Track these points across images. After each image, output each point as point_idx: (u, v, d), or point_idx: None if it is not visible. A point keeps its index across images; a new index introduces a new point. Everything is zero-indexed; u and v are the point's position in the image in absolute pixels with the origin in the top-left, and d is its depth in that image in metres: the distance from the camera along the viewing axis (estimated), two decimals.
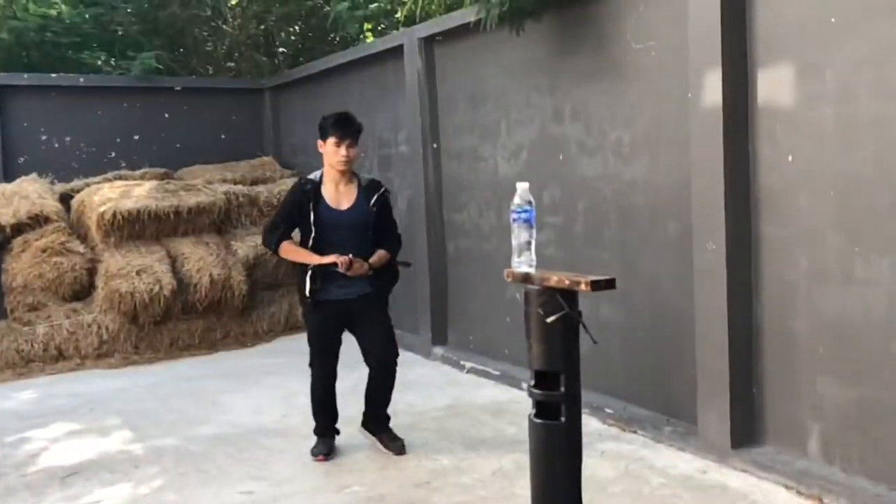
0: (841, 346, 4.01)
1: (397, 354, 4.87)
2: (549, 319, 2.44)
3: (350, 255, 4.55)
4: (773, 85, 4.21)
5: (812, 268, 4.12)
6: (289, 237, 4.81)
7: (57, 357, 7.56)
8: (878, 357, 3.85)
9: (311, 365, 4.88)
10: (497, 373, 6.30)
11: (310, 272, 4.64)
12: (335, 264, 4.55)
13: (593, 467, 4.52)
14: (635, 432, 5.06)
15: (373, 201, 4.75)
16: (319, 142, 4.73)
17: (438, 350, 7.13)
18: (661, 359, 5.09)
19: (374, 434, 4.96)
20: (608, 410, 5.29)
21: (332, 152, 4.65)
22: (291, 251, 4.76)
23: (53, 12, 10.96)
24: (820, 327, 4.10)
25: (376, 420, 4.97)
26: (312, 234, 4.69)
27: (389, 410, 5.00)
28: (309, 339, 4.90)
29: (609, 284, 2.44)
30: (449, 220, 7.11)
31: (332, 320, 4.77)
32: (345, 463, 4.79)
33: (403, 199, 7.66)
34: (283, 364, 7.13)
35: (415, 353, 7.37)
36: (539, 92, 5.90)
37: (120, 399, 6.40)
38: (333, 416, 4.96)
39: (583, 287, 2.37)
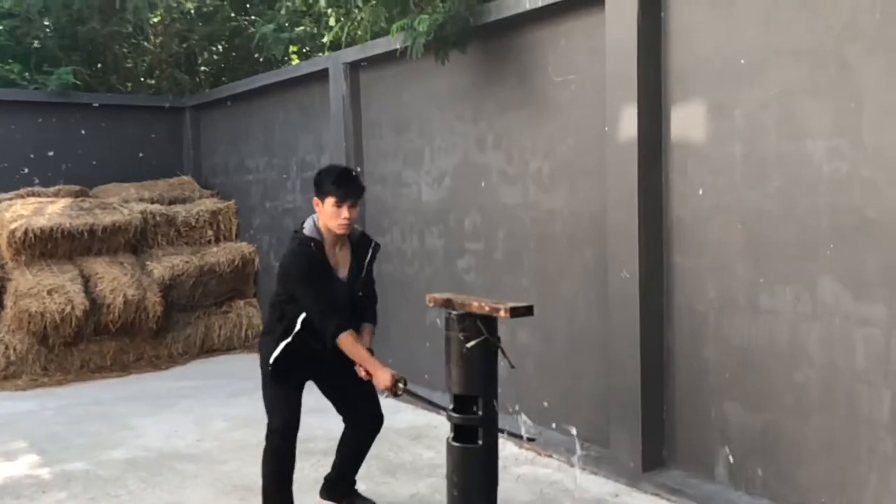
0: (746, 373, 4.18)
1: (380, 409, 4.30)
2: (469, 345, 2.49)
3: (400, 384, 3.82)
4: (686, 121, 4.39)
5: (720, 297, 4.28)
6: (348, 322, 3.96)
7: None
8: (781, 384, 4.02)
9: (269, 436, 4.06)
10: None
11: (286, 346, 3.97)
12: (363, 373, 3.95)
13: (509, 491, 4.58)
14: (551, 456, 5.14)
15: (366, 262, 4.14)
16: (315, 199, 3.99)
17: None
18: (577, 384, 5.20)
19: (341, 499, 4.35)
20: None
21: (331, 214, 3.93)
22: (349, 345, 3.91)
23: None
24: (727, 355, 4.27)
25: (350, 483, 4.39)
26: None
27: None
28: (270, 411, 4.08)
29: (527, 311, 2.50)
30: None
31: (297, 380, 4.10)
32: (257, 488, 4.73)
33: None
34: (199, 387, 7.02)
35: None
36: (462, 120, 6.00)
37: (27, 421, 6.20)
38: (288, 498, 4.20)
39: (502, 314, 2.43)
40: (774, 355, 4.05)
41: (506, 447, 5.35)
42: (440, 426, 5.74)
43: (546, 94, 5.28)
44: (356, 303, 4.09)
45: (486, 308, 2.46)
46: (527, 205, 5.48)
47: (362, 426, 4.24)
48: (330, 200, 3.91)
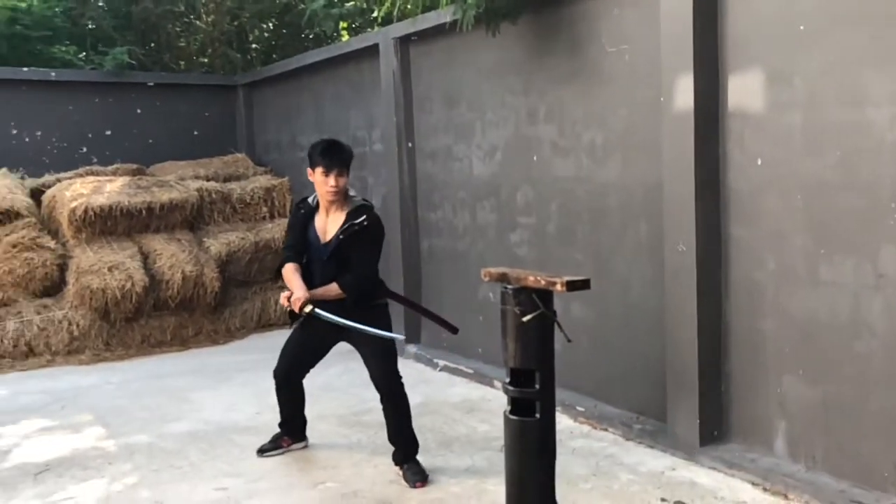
0: (806, 345, 4.11)
1: (394, 374, 4.56)
2: (525, 319, 2.50)
3: (309, 307, 4.32)
4: (744, 90, 4.30)
5: (779, 269, 4.21)
6: (297, 259, 4.56)
7: (27, 353, 7.51)
8: (842, 356, 3.96)
9: (279, 357, 4.77)
10: (469, 371, 6.36)
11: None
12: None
13: (565, 464, 4.58)
14: (606, 430, 5.14)
15: (347, 227, 4.41)
16: (308, 170, 4.45)
17: (412, 348, 7.17)
18: (632, 358, 5.17)
19: (396, 464, 4.58)
20: (579, 408, 5.36)
21: (320, 182, 4.38)
22: (286, 275, 4.51)
23: (23, 5, 10.86)
24: (786, 327, 4.20)
25: (397, 450, 4.59)
26: (306, 260, 4.58)
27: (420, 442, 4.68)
28: (286, 341, 4.79)
29: (584, 285, 2.50)
30: (423, 218, 7.16)
31: (314, 334, 4.59)
32: (319, 460, 4.83)
33: (378, 198, 7.69)
34: (256, 361, 7.13)
35: None
36: (514, 93, 5.96)
37: (91, 396, 6.37)
38: (293, 411, 4.94)
39: (558, 287, 2.42)
40: (835, 327, 3.98)
41: (561, 421, 5.35)
42: (494, 399, 5.77)
43: (599, 65, 5.21)
44: (341, 265, 4.44)
45: (542, 282, 2.46)
46: (579, 178, 5.45)
47: (378, 392, 4.57)
48: (319, 170, 4.38)
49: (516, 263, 5.86)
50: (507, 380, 2.63)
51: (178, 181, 8.86)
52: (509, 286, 2.54)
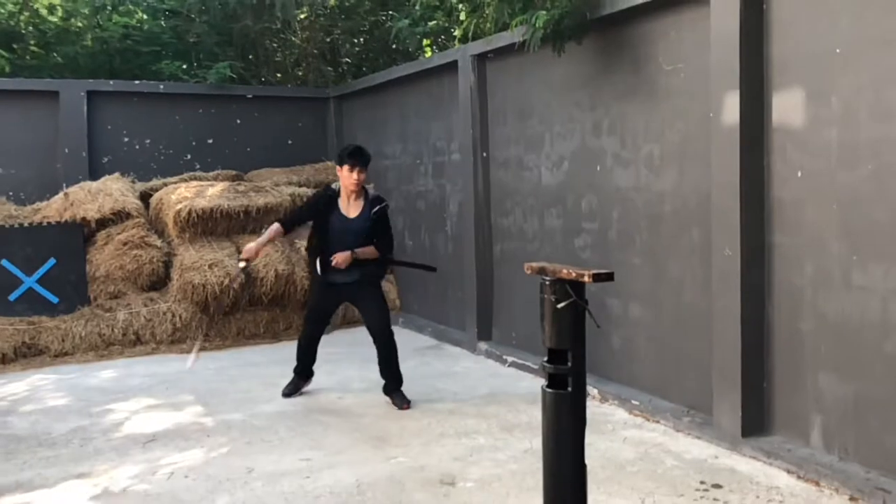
0: (840, 345, 4.43)
1: (388, 324, 6.07)
2: (559, 306, 2.94)
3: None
4: (786, 107, 4.65)
5: (817, 274, 4.54)
6: (289, 226, 6.21)
7: (135, 341, 8.28)
8: (873, 356, 4.26)
9: (305, 322, 6.44)
10: (536, 366, 6.78)
11: (319, 262, 6.02)
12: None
13: (615, 450, 5.00)
14: (658, 422, 5.50)
15: (372, 212, 6.00)
16: (338, 167, 6.01)
17: (483, 345, 7.64)
18: (685, 355, 5.53)
19: (386, 394, 6.13)
20: (634, 402, 5.74)
21: (346, 176, 5.94)
22: (270, 230, 6.16)
23: (135, 22, 11.76)
24: (822, 328, 4.52)
25: (387, 382, 6.13)
26: (326, 233, 5.99)
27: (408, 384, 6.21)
28: (309, 306, 6.50)
29: (608, 277, 2.92)
30: (496, 224, 7.63)
31: (331, 298, 6.24)
32: (393, 439, 5.34)
33: (455, 204, 8.20)
34: (341, 353, 7.72)
35: (462, 348, 7.92)
36: (580, 107, 6.39)
37: (192, 380, 7.05)
38: (310, 361, 6.41)
39: (586, 279, 2.86)
40: (866, 328, 4.28)
41: (616, 413, 5.77)
42: None
43: (657, 82, 5.60)
44: (360, 237, 5.97)
45: (574, 274, 2.91)
46: (638, 187, 5.83)
47: (374, 339, 6.07)
48: (346, 167, 5.93)
49: (580, 266, 6.27)
50: (545, 358, 3.08)
51: (273, 187, 9.54)
52: (546, 278, 2.99)
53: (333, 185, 6.15)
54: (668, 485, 4.45)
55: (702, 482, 4.46)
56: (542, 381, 3.13)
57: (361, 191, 6.07)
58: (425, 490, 4.44)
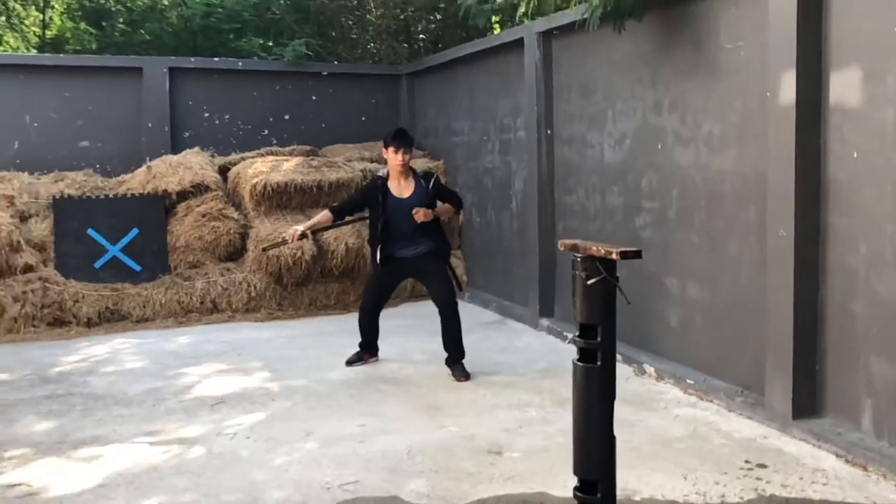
0: (892, 327, 4.38)
1: (453, 296, 6.31)
2: (590, 282, 3.03)
3: (296, 230, 6.46)
4: (843, 86, 4.58)
5: (871, 255, 4.49)
6: (340, 214, 6.54)
7: (212, 309, 8.66)
8: None
9: (364, 294, 6.78)
10: None
11: (380, 245, 6.25)
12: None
13: (665, 427, 5.07)
14: (711, 401, 5.52)
15: (430, 185, 6.35)
16: (384, 149, 6.34)
17: (545, 322, 7.74)
18: (740, 335, 5.52)
19: (447, 366, 6.30)
20: (689, 381, 5.77)
21: (392, 157, 6.26)
22: (318, 216, 6.65)
23: (217, 0, 12.12)
24: (875, 310, 4.48)
25: (449, 355, 6.32)
26: (383, 216, 6.21)
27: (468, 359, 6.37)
28: (369, 283, 6.84)
29: (636, 255, 2.98)
30: (559, 201, 7.69)
31: (393, 274, 6.47)
32: (447, 408, 5.51)
33: (520, 181, 8.28)
34: (406, 326, 7.93)
35: (524, 324, 8.04)
36: (642, 85, 6.38)
37: (263, 347, 7.36)
38: (373, 335, 6.65)
39: (614, 256, 2.94)
40: None
41: (670, 392, 5.81)
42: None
43: (717, 60, 5.57)
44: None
45: (603, 251, 2.99)
46: (698, 165, 5.82)
47: (439, 311, 6.29)
48: (391, 149, 6.24)
49: (640, 245, 6.27)
50: (576, 333, 3.17)
51: (346, 162, 9.79)
52: (578, 255, 3.08)
53: (381, 172, 6.48)
54: (712, 462, 4.49)
55: (747, 461, 4.49)
56: None
57: (409, 170, 6.35)
58: (473, 458, 4.60)
